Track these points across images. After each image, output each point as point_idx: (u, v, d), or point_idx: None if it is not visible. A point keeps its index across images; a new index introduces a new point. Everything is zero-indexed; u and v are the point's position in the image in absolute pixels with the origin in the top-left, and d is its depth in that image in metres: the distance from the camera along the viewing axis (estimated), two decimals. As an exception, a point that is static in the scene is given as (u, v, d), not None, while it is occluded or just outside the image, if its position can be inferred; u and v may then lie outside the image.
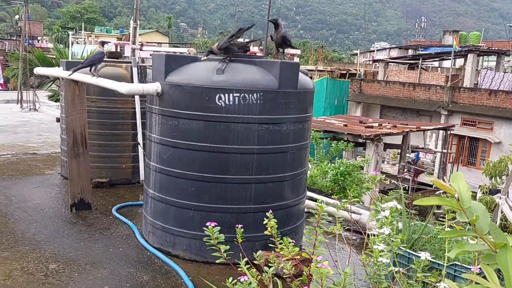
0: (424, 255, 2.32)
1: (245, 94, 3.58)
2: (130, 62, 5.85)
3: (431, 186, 22.68)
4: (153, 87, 3.73)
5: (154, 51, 6.14)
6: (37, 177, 6.09)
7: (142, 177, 5.93)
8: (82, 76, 4.26)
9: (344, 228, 4.98)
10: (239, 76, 3.64)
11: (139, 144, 5.79)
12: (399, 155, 20.95)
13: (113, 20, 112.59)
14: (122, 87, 3.74)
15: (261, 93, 3.61)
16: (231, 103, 3.57)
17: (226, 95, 3.56)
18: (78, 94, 4.62)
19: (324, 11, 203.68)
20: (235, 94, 3.57)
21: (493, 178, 12.28)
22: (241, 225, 3.62)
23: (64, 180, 5.85)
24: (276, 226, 3.81)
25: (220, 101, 3.57)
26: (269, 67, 3.72)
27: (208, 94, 3.57)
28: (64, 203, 5.06)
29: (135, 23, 7.55)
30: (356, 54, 47.99)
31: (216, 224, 3.62)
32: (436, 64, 38.37)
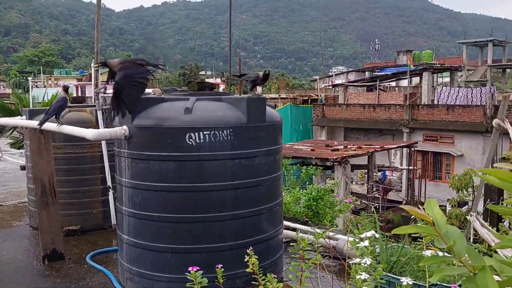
0: (406, 280, 2.36)
1: (215, 131, 3.60)
2: (94, 106, 5.80)
3: (400, 202, 23.10)
4: (121, 131, 3.71)
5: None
6: (5, 230, 5.87)
7: (113, 221, 5.81)
8: (47, 124, 4.19)
9: (322, 255, 5.00)
10: (208, 114, 3.67)
11: (109, 187, 5.69)
12: (366, 175, 21.31)
13: (72, 61, 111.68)
14: (89, 133, 3.71)
15: (231, 129, 3.64)
16: (202, 141, 3.58)
17: (197, 133, 3.57)
18: (44, 142, 4.53)
19: (281, 40, 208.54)
20: (205, 132, 3.58)
21: (460, 191, 12.64)
22: (221, 264, 3.59)
23: (34, 231, 5.66)
24: (257, 261, 3.79)
25: (191, 140, 3.57)
26: (237, 103, 3.77)
27: (178, 134, 3.58)
28: (35, 255, 4.89)
29: (96, 66, 7.52)
30: (316, 80, 49.09)
31: (195, 265, 3.57)
32: (393, 84, 39.66)
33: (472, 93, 24.95)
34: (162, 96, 4.20)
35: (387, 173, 25.47)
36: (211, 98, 3.90)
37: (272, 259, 4.04)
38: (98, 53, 7.52)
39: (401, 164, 25.54)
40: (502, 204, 12.82)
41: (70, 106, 5.78)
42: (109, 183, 5.68)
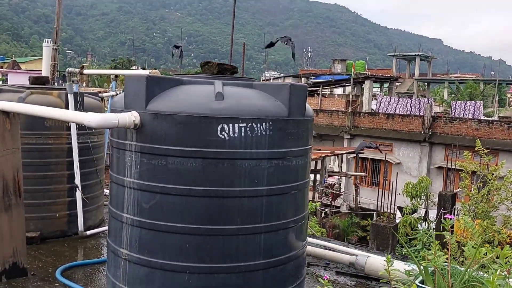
0: None
1: (253, 124, 2.91)
2: (62, 88, 4.86)
3: (338, 207, 23.25)
4: (130, 117, 2.91)
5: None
6: None
7: (81, 227, 4.90)
8: (22, 106, 3.27)
9: (336, 271, 4.44)
10: (244, 102, 2.97)
11: (77, 187, 4.77)
12: (312, 180, 21.18)
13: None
14: (91, 119, 2.86)
15: (270, 122, 2.96)
16: (236, 135, 2.87)
17: (231, 125, 2.86)
18: (10, 128, 3.59)
19: (215, 41, 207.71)
20: (241, 124, 2.88)
21: (414, 199, 12.66)
22: (251, 286, 2.95)
23: None
24: (287, 281, 3.17)
25: (223, 133, 2.86)
26: (274, 91, 3.10)
27: (208, 125, 2.84)
28: (-11, 271, 3.88)
29: (56, 45, 6.47)
30: (254, 81, 48.79)
31: (220, 288, 2.87)
32: (328, 91, 40.33)
33: (411, 103, 25.75)
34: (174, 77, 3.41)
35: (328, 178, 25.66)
36: (240, 83, 3.20)
37: (301, 278, 3.41)
38: (58, 30, 6.49)
39: (340, 170, 25.77)
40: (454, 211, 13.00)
41: (32, 87, 4.80)
42: (77, 181, 4.76)
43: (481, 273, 3.10)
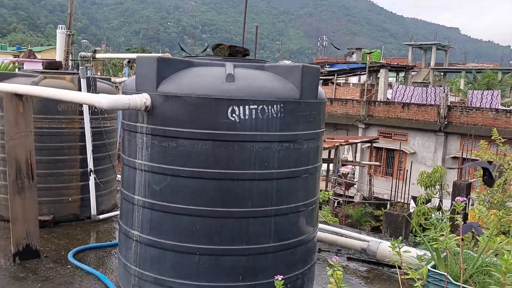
0: None
1: (264, 106, 2.88)
2: (75, 73, 4.87)
3: (352, 197, 23.14)
4: (141, 99, 2.90)
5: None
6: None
7: (94, 211, 4.93)
8: (35, 88, 3.28)
9: (348, 257, 4.42)
10: (255, 83, 2.94)
11: (91, 171, 4.80)
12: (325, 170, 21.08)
13: (7, 36, 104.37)
14: (102, 100, 2.86)
15: (281, 105, 2.93)
16: (247, 117, 2.85)
17: (241, 107, 2.84)
18: (23, 111, 3.61)
19: (229, 30, 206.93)
20: (252, 106, 2.85)
21: (428, 189, 12.53)
22: (263, 269, 2.95)
23: (2, 223, 4.65)
24: (297, 265, 3.16)
25: (234, 115, 2.84)
26: (286, 73, 3.06)
27: (219, 107, 2.83)
28: (4, 252, 3.94)
29: (69, 30, 6.49)
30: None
31: (231, 270, 2.91)
32: (342, 80, 39.96)
33: (427, 92, 25.42)
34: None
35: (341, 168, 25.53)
36: (251, 65, 3.17)
37: (311, 263, 3.40)
38: (72, 15, 6.49)
39: (354, 159, 25.62)
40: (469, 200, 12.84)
41: (45, 72, 4.82)
42: (90, 165, 4.79)
43: (495, 258, 3.05)
